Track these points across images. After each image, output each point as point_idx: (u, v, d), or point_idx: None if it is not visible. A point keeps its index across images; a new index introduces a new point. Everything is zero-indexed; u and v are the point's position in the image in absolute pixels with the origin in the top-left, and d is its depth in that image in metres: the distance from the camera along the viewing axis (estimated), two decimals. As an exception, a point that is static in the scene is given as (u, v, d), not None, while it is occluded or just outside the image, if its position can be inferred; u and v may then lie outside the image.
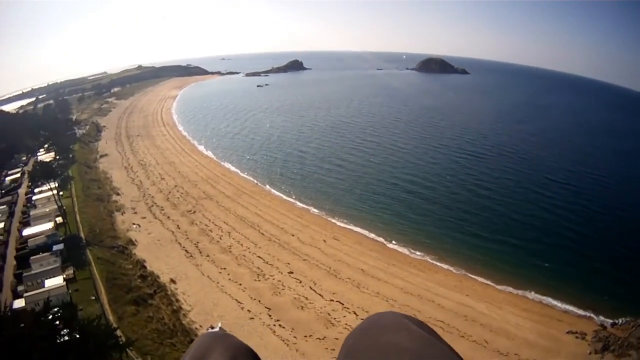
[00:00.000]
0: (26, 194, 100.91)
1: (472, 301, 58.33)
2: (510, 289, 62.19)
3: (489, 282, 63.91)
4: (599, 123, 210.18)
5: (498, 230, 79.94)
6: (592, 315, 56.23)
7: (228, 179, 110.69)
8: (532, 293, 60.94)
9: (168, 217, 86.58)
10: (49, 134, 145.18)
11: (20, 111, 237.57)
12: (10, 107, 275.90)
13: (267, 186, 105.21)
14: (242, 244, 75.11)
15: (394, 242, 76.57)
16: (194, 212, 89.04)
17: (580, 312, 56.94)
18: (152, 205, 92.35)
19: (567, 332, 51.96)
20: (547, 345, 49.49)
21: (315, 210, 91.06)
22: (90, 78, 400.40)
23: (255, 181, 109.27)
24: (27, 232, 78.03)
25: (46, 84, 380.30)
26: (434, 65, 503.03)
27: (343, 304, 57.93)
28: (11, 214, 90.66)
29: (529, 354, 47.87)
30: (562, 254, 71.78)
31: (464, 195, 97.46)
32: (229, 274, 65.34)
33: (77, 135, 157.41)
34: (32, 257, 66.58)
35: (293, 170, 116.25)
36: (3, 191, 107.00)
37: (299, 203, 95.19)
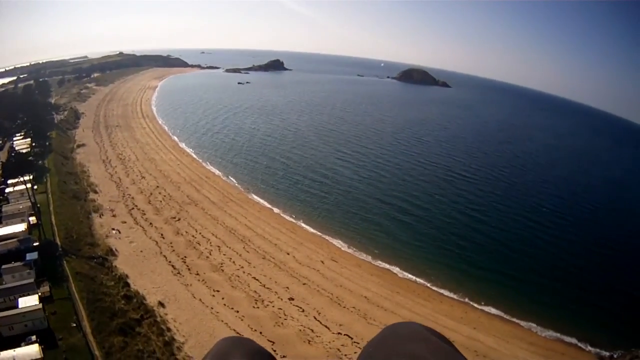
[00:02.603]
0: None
1: (480, 335, 57.33)
2: (514, 320, 62.27)
3: (493, 313, 63.56)
4: (585, 148, 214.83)
5: (494, 259, 79.41)
6: (590, 348, 58.22)
7: (212, 182, 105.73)
8: (535, 325, 61.44)
9: (150, 223, 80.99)
10: (27, 118, 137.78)
11: (1, 89, 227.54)
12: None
13: (254, 195, 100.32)
14: (234, 262, 70.00)
15: (394, 266, 74.01)
16: (179, 219, 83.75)
17: (581, 345, 58.64)
18: (133, 208, 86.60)
19: (570, 366, 51.13)
20: (553, 381, 49.13)
21: (307, 226, 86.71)
22: (72, 61, 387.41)
23: (241, 188, 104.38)
24: (-3, 231, 70.23)
25: (28, 64, 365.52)
26: (415, 76, 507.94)
27: (352, 338, 54.14)
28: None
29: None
30: (559, 286, 72.69)
31: (458, 219, 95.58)
32: (223, 298, 60.24)
33: (55, 121, 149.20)
34: (3, 266, 59.53)
35: (278, 178, 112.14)
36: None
37: (288, 217, 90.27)
